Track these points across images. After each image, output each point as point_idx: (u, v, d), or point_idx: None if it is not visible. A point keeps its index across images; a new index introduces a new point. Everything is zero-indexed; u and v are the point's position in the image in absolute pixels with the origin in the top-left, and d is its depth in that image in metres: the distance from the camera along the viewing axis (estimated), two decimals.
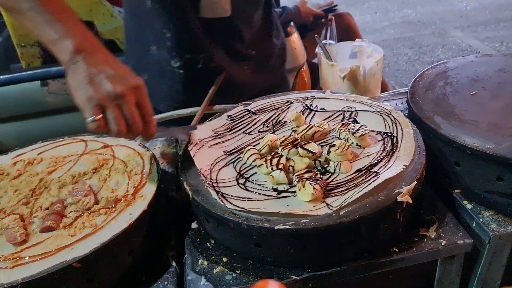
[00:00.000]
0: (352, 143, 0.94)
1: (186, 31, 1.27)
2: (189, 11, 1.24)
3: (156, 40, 1.30)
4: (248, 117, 1.10)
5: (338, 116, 1.07)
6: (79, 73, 0.81)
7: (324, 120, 1.05)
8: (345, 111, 1.08)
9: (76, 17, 0.87)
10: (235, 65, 1.34)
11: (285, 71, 1.57)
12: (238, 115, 1.12)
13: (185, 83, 1.32)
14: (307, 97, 1.16)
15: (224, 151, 0.98)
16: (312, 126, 0.98)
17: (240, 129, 1.06)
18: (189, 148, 0.97)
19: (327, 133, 1.00)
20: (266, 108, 1.14)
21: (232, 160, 0.94)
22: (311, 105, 1.12)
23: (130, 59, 1.41)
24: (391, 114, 1.03)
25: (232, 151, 0.98)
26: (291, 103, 1.14)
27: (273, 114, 1.11)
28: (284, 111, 1.11)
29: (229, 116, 1.11)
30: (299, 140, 0.94)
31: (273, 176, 0.86)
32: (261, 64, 1.40)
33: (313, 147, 0.91)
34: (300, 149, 0.90)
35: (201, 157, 0.95)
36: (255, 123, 1.08)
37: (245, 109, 1.13)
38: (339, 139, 0.96)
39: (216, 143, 1.01)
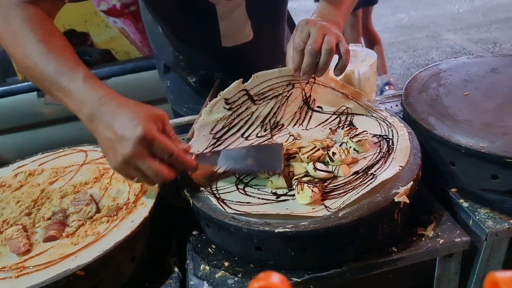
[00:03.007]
0: (350, 147, 0.95)
1: (199, 56, 1.27)
2: (203, 40, 1.22)
3: (170, 59, 1.33)
4: (247, 107, 1.05)
5: (334, 119, 1.08)
6: (99, 141, 0.80)
7: (320, 124, 1.06)
8: (340, 114, 1.09)
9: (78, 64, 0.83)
10: None
11: None
12: (236, 101, 1.04)
13: (203, 93, 1.33)
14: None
15: None
16: (318, 149, 0.93)
17: (238, 130, 1.04)
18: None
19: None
20: (266, 93, 1.06)
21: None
22: (309, 96, 1.10)
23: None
24: (386, 120, 1.04)
25: None
26: (293, 86, 1.08)
27: (273, 107, 1.07)
28: (284, 102, 1.08)
29: (226, 101, 1.03)
30: (299, 153, 0.93)
31: (272, 181, 0.87)
32: None
33: (324, 167, 0.89)
34: (317, 172, 0.87)
35: (199, 172, 0.93)
36: (252, 122, 1.05)
37: (244, 91, 1.04)
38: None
39: None
